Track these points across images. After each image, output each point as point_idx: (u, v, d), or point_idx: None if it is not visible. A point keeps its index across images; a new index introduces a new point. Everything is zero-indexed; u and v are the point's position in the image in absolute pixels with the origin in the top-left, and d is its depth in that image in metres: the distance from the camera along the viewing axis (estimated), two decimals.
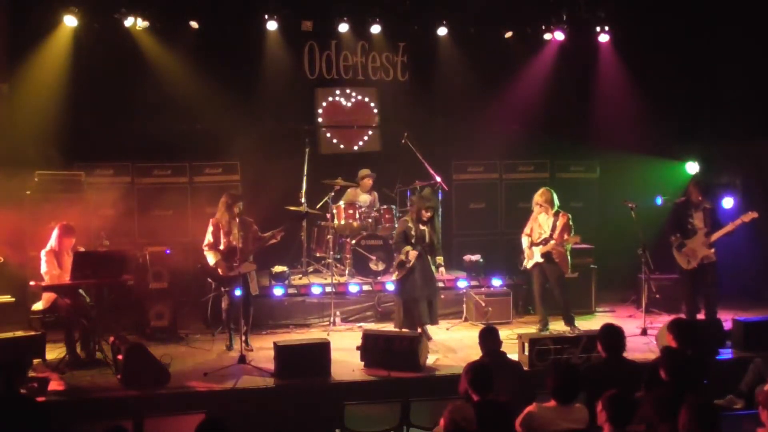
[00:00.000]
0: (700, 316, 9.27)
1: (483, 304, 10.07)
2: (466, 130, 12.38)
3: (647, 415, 5.19)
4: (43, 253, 8.28)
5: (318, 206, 10.67)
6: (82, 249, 8.58)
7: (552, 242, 9.25)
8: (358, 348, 8.14)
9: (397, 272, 9.04)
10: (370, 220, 10.89)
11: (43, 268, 8.24)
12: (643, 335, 9.10)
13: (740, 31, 11.68)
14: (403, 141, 11.00)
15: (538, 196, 9.43)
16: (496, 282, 10.60)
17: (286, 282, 10.32)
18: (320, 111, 12.41)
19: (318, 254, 11.02)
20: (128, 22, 10.86)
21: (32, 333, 8.52)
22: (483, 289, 10.46)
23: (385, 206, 11.00)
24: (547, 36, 12.27)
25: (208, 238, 8.72)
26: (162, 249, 10.12)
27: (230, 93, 11.12)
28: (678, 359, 5.81)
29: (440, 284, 9.73)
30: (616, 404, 4.83)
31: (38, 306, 8.43)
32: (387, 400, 6.77)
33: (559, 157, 12.70)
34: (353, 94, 12.55)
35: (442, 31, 12.09)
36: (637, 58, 12.24)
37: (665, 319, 8.81)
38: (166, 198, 11.27)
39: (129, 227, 11.01)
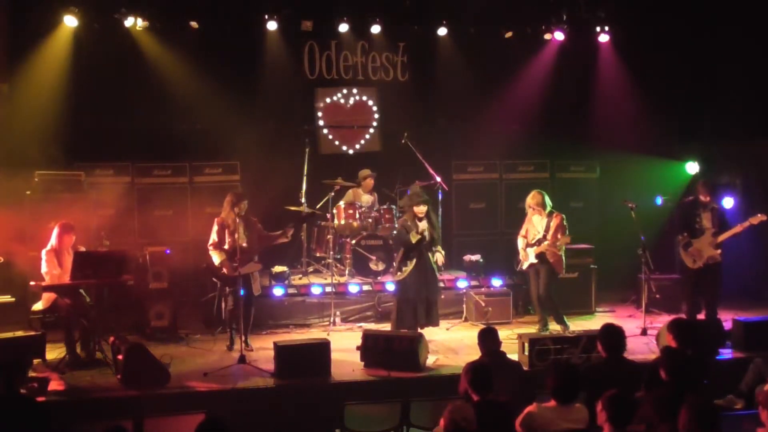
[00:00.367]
0: (701, 316, 9.26)
1: (483, 304, 10.08)
2: (466, 130, 12.38)
3: (647, 415, 5.19)
4: (43, 252, 8.28)
5: (318, 206, 10.66)
6: (82, 249, 8.58)
7: (545, 243, 9.26)
8: (358, 348, 8.14)
9: (398, 272, 9.00)
10: (370, 220, 10.89)
11: (44, 268, 8.24)
12: (643, 335, 9.10)
13: (740, 31, 11.67)
14: (403, 141, 11.00)
15: (530, 199, 9.45)
16: (496, 282, 10.60)
17: (286, 282, 10.32)
18: (320, 111, 12.41)
19: (318, 254, 11.03)
20: (128, 22, 10.86)
21: (32, 333, 8.54)
22: (483, 289, 10.46)
23: (385, 206, 11.00)
24: (547, 36, 12.26)
25: (213, 237, 8.71)
26: (162, 249, 10.12)
27: (230, 93, 11.12)
28: (678, 359, 5.82)
29: (440, 284, 9.72)
30: (616, 404, 4.83)
31: (38, 306, 8.43)
32: (387, 400, 6.77)
33: (559, 157, 12.70)
34: (353, 94, 12.55)
35: (442, 31, 12.09)
36: (637, 58, 12.23)
37: (665, 319, 8.81)
38: (166, 198, 11.27)
39: (129, 227, 11.01)
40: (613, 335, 6.32)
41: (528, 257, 9.43)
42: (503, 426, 5.30)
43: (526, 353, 7.88)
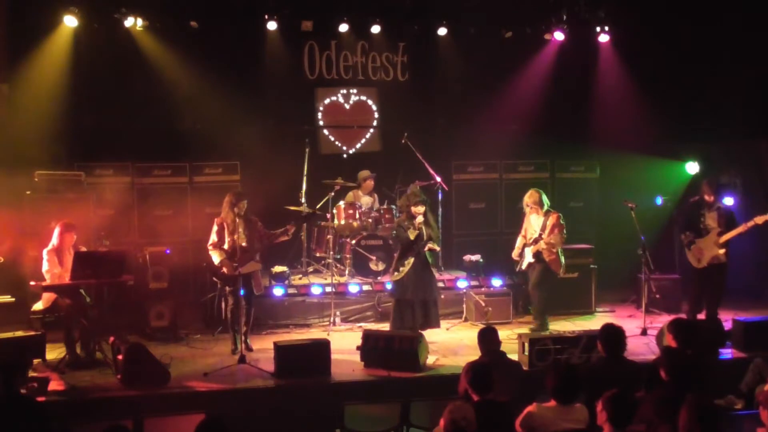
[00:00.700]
0: (701, 316, 9.26)
1: (483, 304, 10.07)
2: (466, 130, 12.37)
3: (647, 415, 5.18)
4: (45, 251, 8.28)
5: (318, 206, 10.66)
6: (83, 249, 8.58)
7: (541, 241, 9.27)
8: (358, 348, 8.14)
9: (395, 272, 8.99)
10: (370, 221, 10.89)
11: (45, 267, 8.25)
12: (643, 335, 9.10)
13: (740, 30, 11.66)
14: (403, 141, 11.00)
15: (527, 198, 9.47)
16: (496, 282, 10.60)
17: (286, 282, 10.32)
18: (320, 111, 12.41)
19: (318, 254, 11.03)
20: (128, 22, 10.86)
21: (32, 333, 8.52)
22: (483, 289, 10.46)
23: (385, 206, 11.00)
24: (547, 36, 12.27)
25: (213, 237, 8.68)
26: (162, 249, 10.13)
27: (230, 93, 11.11)
28: (678, 359, 5.81)
29: (440, 284, 9.71)
30: (616, 404, 4.83)
31: (38, 306, 8.43)
32: (387, 400, 6.76)
33: (559, 157, 12.70)
34: (353, 94, 12.55)
35: (442, 31, 12.09)
36: (637, 58, 12.23)
37: (665, 319, 8.81)
38: (166, 198, 11.25)
39: (129, 227, 11.00)
40: (613, 335, 6.32)
41: (525, 257, 9.43)
42: (503, 426, 5.30)
43: (526, 353, 7.88)
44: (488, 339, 6.62)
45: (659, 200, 10.50)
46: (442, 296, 9.98)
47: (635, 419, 4.98)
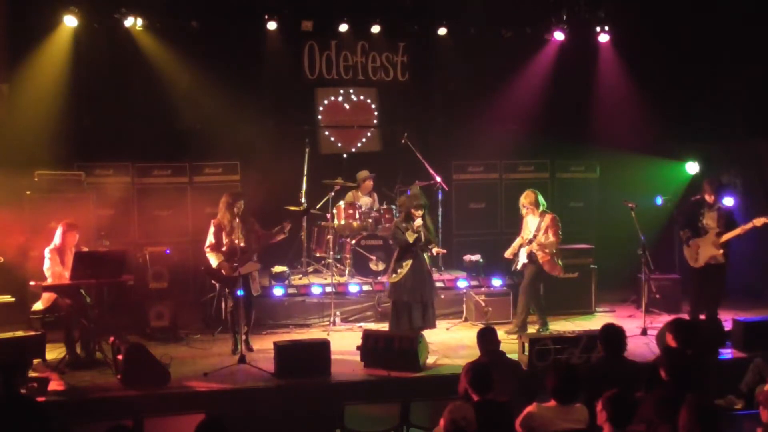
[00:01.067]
0: (702, 316, 9.27)
1: (483, 304, 10.08)
2: (466, 130, 12.37)
3: (647, 415, 5.18)
4: (46, 250, 8.29)
5: (318, 206, 10.66)
6: (85, 249, 8.58)
7: (534, 243, 9.28)
8: (358, 348, 8.13)
9: (393, 274, 8.97)
10: (370, 221, 10.89)
11: (46, 265, 8.25)
12: (643, 335, 9.10)
13: (740, 30, 11.67)
14: (403, 141, 11.01)
15: (523, 198, 9.46)
16: (496, 282, 10.59)
17: (286, 282, 10.32)
18: (320, 111, 12.41)
19: (318, 254, 11.02)
20: (128, 22, 10.86)
21: (32, 333, 8.51)
22: (483, 289, 10.46)
23: (385, 206, 11.00)
24: (547, 36, 12.27)
25: (210, 239, 8.65)
26: (162, 249, 10.12)
27: (230, 93, 11.11)
28: (678, 359, 5.82)
29: (440, 284, 9.71)
30: (616, 404, 4.83)
31: (38, 306, 8.43)
32: (387, 400, 6.76)
33: (559, 157, 12.71)
34: (353, 94, 12.55)
35: (442, 31, 12.09)
36: (637, 58, 12.24)
37: (665, 319, 8.81)
38: (166, 198, 11.26)
39: (129, 227, 11.00)
40: (613, 335, 6.32)
41: (520, 257, 9.45)
42: (503, 426, 5.30)
43: (526, 353, 7.88)
44: (488, 339, 6.62)
45: (659, 200, 10.50)
46: (442, 296, 9.98)
47: (635, 419, 4.98)
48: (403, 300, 8.82)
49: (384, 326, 9.47)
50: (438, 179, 10.91)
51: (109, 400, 7.17)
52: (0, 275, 9.28)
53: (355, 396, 7.01)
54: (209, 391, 7.42)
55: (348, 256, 10.77)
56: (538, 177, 12.61)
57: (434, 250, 9.13)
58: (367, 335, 8.19)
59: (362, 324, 9.95)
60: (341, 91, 12.49)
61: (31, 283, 8.45)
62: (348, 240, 10.74)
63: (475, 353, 6.94)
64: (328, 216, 10.60)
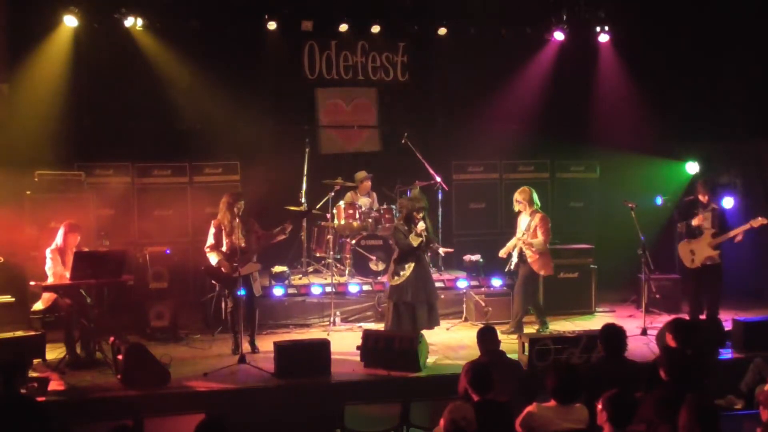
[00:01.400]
0: (702, 316, 9.27)
1: (483, 304, 10.08)
2: (466, 130, 12.37)
3: (647, 415, 5.19)
4: (48, 250, 8.28)
5: (318, 206, 10.66)
6: (86, 249, 8.57)
7: (520, 241, 9.29)
8: (358, 348, 8.13)
9: (395, 276, 8.96)
10: (370, 221, 10.88)
11: (48, 265, 8.25)
12: (643, 335, 9.09)
13: (741, 30, 11.67)
14: (403, 141, 11.00)
15: (518, 194, 9.44)
16: (496, 282, 10.58)
17: (286, 282, 10.32)
18: (320, 111, 12.40)
19: (318, 254, 11.02)
20: (128, 22, 10.87)
21: (32, 333, 8.52)
22: (483, 289, 10.46)
23: (385, 206, 10.99)
24: (547, 36, 12.27)
25: (210, 240, 8.64)
26: (162, 249, 10.12)
27: (230, 93, 11.12)
28: (678, 359, 5.82)
29: (440, 284, 9.71)
30: (616, 404, 4.83)
31: (38, 306, 8.42)
32: (387, 400, 6.76)
33: (559, 157, 12.71)
34: (353, 94, 12.55)
35: (442, 31, 12.09)
36: (637, 58, 12.24)
37: (665, 319, 8.81)
38: (166, 198, 11.27)
39: (129, 227, 11.00)
40: (614, 335, 6.32)
41: (513, 257, 9.46)
42: (503, 426, 5.30)
43: (526, 353, 7.88)
44: (488, 338, 6.61)
45: (659, 200, 10.50)
46: (442, 296, 9.97)
47: (635, 419, 4.98)
48: (407, 301, 8.80)
49: (383, 326, 9.47)
50: (438, 179, 10.91)
51: (109, 400, 7.16)
52: (0, 275, 9.28)
53: (355, 396, 7.00)
54: (209, 391, 7.41)
55: (348, 256, 10.77)
56: (538, 177, 12.61)
57: (442, 250, 9.11)
58: (367, 335, 8.19)
59: (362, 324, 9.95)
60: (341, 91, 12.48)
61: (31, 283, 8.45)
62: (348, 240, 10.74)
63: (475, 353, 6.94)
64: (328, 216, 10.60)
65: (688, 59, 12.16)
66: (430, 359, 8.26)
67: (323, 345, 7.95)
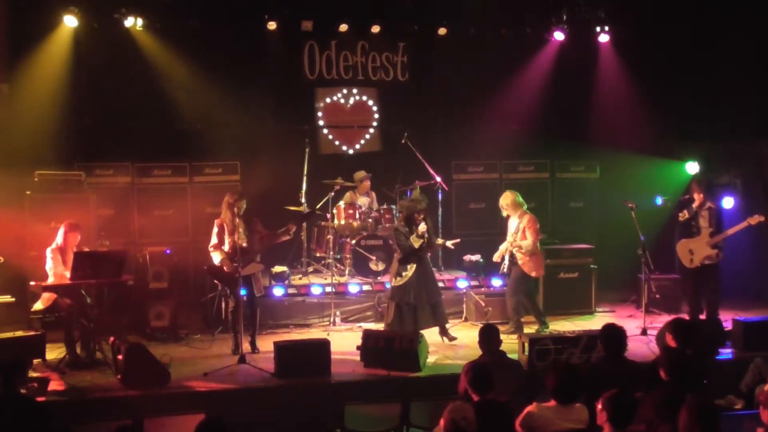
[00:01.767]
0: (702, 316, 9.27)
1: (483, 304, 10.08)
2: (466, 130, 12.37)
3: (647, 415, 5.19)
4: (48, 250, 8.28)
5: (318, 206, 10.66)
6: (86, 249, 8.57)
7: (509, 243, 9.28)
8: (358, 348, 8.13)
9: (397, 277, 8.96)
10: (370, 221, 10.89)
11: (48, 264, 8.25)
12: (643, 335, 9.09)
13: (740, 30, 11.67)
14: (403, 141, 11.00)
15: (501, 200, 9.50)
16: (496, 282, 10.58)
17: (286, 282, 10.32)
18: (320, 111, 12.41)
19: (318, 254, 11.03)
20: (128, 22, 10.87)
21: (32, 333, 8.52)
22: (483, 289, 10.47)
23: (385, 206, 11.00)
24: (547, 36, 12.27)
25: (213, 239, 8.65)
26: (162, 249, 10.12)
27: (230, 93, 11.12)
28: (678, 359, 5.82)
29: (440, 284, 9.70)
30: (616, 404, 4.83)
31: (38, 306, 8.42)
32: (387, 400, 6.76)
33: (559, 157, 12.71)
34: (353, 94, 12.55)
35: (442, 31, 12.09)
36: (637, 58, 12.24)
37: (665, 319, 8.81)
38: (166, 198, 11.27)
39: (129, 227, 11.01)
40: (614, 335, 6.32)
41: (505, 259, 9.46)
42: (503, 426, 5.30)
43: (526, 353, 7.88)
44: (489, 337, 6.61)
45: (659, 200, 10.50)
46: (442, 296, 9.96)
47: (635, 419, 4.98)
48: (409, 302, 8.81)
49: (383, 326, 9.47)
50: (438, 179, 10.91)
51: (109, 400, 7.16)
52: (0, 275, 9.28)
53: (355, 396, 7.00)
54: (209, 391, 7.42)
55: (348, 256, 10.77)
56: (538, 177, 12.63)
57: (449, 243, 9.10)
58: (367, 335, 8.19)
59: (362, 324, 9.95)
60: (341, 91, 12.48)
61: (31, 283, 8.45)
62: (348, 240, 10.74)
63: (474, 353, 6.95)
64: (328, 216, 10.60)
65: (688, 59, 12.16)
66: (430, 359, 8.26)
67: (323, 345, 7.95)
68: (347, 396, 6.94)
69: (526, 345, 7.92)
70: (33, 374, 7.56)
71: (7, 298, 9.26)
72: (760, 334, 8.40)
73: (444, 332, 9.04)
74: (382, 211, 10.91)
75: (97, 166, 11.01)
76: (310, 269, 11.04)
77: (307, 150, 10.95)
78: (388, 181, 11.39)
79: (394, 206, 10.94)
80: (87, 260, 8.11)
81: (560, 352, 7.87)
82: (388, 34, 12.20)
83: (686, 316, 9.15)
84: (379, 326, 9.57)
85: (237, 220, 8.55)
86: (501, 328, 6.86)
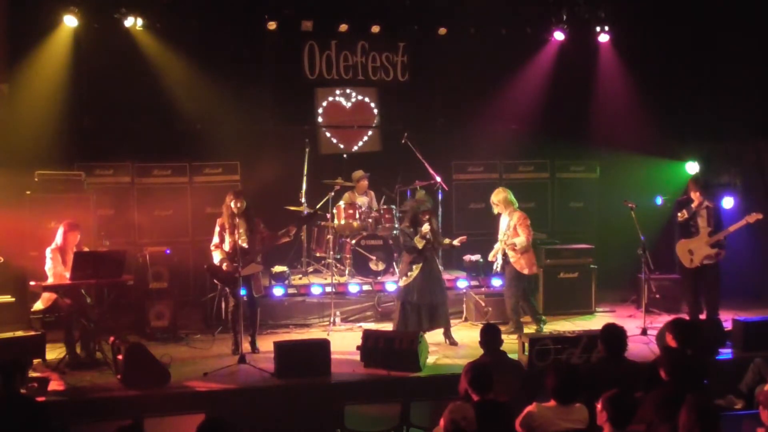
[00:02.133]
0: (702, 316, 9.27)
1: (483, 304, 10.08)
2: (466, 130, 12.38)
3: (647, 415, 5.19)
4: (48, 250, 8.27)
5: (318, 206, 10.66)
6: (86, 249, 8.57)
7: (502, 242, 9.28)
8: (358, 348, 8.13)
9: (404, 277, 8.96)
10: (370, 220, 10.89)
11: (48, 265, 8.24)
12: (643, 335, 9.09)
13: (740, 30, 11.68)
14: (403, 141, 11.00)
15: (493, 196, 9.48)
16: (496, 282, 10.58)
17: (286, 282, 10.32)
18: (320, 111, 12.41)
19: (318, 254, 11.03)
20: (128, 22, 10.86)
21: (32, 333, 8.52)
22: (483, 289, 10.47)
23: (385, 206, 11.00)
24: (547, 36, 12.27)
25: (215, 239, 8.67)
26: (162, 249, 10.12)
27: (230, 93, 11.12)
28: (678, 359, 5.82)
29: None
30: (616, 404, 4.83)
31: (38, 306, 8.42)
32: (387, 400, 6.76)
33: (559, 157, 12.71)
34: (353, 94, 12.55)
35: (442, 31, 12.09)
36: (637, 58, 12.24)
37: (665, 319, 8.81)
38: (166, 198, 11.27)
39: (129, 227, 11.00)
40: (614, 335, 6.32)
41: (498, 258, 9.46)
42: (503, 426, 5.30)
43: (526, 353, 7.88)
44: (490, 336, 6.61)
45: (659, 200, 10.50)
46: (447, 298, 9.94)
47: (635, 419, 4.98)
48: (412, 301, 8.82)
49: (384, 326, 9.48)
50: (438, 179, 10.91)
51: (109, 400, 7.15)
52: (0, 275, 9.28)
53: (355, 396, 7.01)
54: (209, 391, 7.41)
55: (348, 256, 10.77)
56: (538, 177, 12.63)
57: (455, 242, 9.09)
58: (367, 335, 8.19)
59: (362, 324, 9.94)
60: (341, 91, 12.49)
61: (31, 283, 8.44)
62: (348, 240, 10.74)
63: (474, 353, 6.95)
64: (328, 216, 10.60)
65: (688, 59, 12.16)
66: (430, 359, 8.26)
67: (323, 345, 7.94)
68: (347, 396, 6.95)
69: (527, 345, 7.91)
70: (33, 374, 7.56)
71: (7, 298, 9.26)
72: (760, 334, 8.39)
73: (447, 334, 9.03)
74: (382, 211, 10.91)
75: (97, 166, 11.01)
76: (310, 269, 11.04)
77: (307, 150, 10.94)
78: (388, 181, 11.39)
79: (394, 206, 10.95)
80: (87, 260, 8.11)
81: (560, 352, 7.87)
82: (388, 34, 12.20)
83: (686, 316, 9.16)
84: (379, 326, 9.58)
85: (237, 220, 8.54)
86: (501, 328, 6.87)
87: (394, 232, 10.87)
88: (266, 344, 8.67)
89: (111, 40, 10.96)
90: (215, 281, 9.20)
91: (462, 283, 10.62)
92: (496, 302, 10.08)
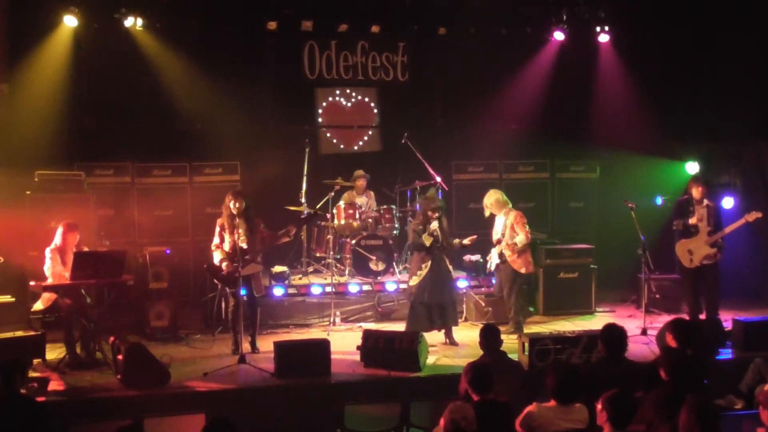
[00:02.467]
0: (702, 316, 9.27)
1: (483, 304, 10.08)
2: (466, 130, 12.38)
3: (647, 415, 5.19)
4: (47, 250, 8.27)
5: (318, 206, 10.67)
6: (86, 249, 8.57)
7: (502, 243, 9.27)
8: (358, 348, 8.13)
9: (413, 276, 8.95)
10: (370, 220, 10.89)
11: (47, 265, 8.23)
12: (643, 335, 9.09)
13: (740, 30, 11.68)
14: (403, 141, 11.00)
15: (485, 199, 9.48)
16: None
17: (286, 282, 10.32)
18: (320, 111, 12.41)
19: (318, 254, 11.03)
20: (128, 22, 10.85)
21: (32, 333, 8.52)
22: (483, 289, 10.47)
23: (385, 206, 11.00)
24: (547, 36, 12.27)
25: (215, 239, 8.67)
26: (162, 249, 10.12)
27: (230, 93, 11.12)
28: (678, 359, 5.82)
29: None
30: (616, 404, 4.83)
31: (38, 306, 8.41)
32: (387, 400, 6.76)
33: (559, 157, 12.70)
34: (353, 94, 12.56)
35: (442, 31, 12.09)
36: (637, 58, 12.24)
37: (665, 319, 8.81)
38: (166, 198, 11.26)
39: (129, 227, 11.00)
40: (615, 335, 6.32)
41: (492, 258, 9.45)
42: (503, 426, 5.30)
43: (526, 353, 7.88)
44: (490, 336, 6.61)
45: (659, 200, 10.50)
46: (456, 298, 9.92)
47: (635, 419, 4.98)
48: (423, 301, 8.82)
49: (384, 326, 9.49)
50: (438, 179, 10.91)
51: (109, 400, 7.15)
52: (0, 275, 9.28)
53: (355, 396, 7.01)
54: (209, 391, 7.41)
55: (348, 256, 10.77)
56: (538, 177, 12.62)
57: (465, 241, 9.09)
58: (367, 335, 8.19)
59: (362, 324, 9.94)
60: (341, 91, 12.49)
61: (31, 283, 8.44)
62: (348, 240, 10.75)
63: (475, 353, 6.95)
64: (328, 216, 10.61)
65: (688, 59, 12.16)
66: (430, 359, 8.26)
67: (323, 345, 7.94)
68: (347, 396, 6.95)
69: (527, 345, 7.91)
70: (33, 374, 7.57)
71: (7, 298, 9.26)
72: (760, 334, 8.40)
73: (448, 334, 9.03)
74: (382, 211, 10.91)
75: (97, 166, 11.00)
76: (310, 269, 11.04)
77: (307, 150, 10.94)
78: (388, 181, 11.39)
79: (394, 206, 10.95)
80: (87, 260, 8.11)
81: (560, 352, 7.87)
82: (388, 34, 12.21)
83: (686, 316, 9.15)
84: (379, 326, 9.58)
85: (237, 220, 8.54)
86: (501, 328, 6.88)
87: (394, 232, 10.89)
88: (266, 344, 8.67)
89: (111, 40, 10.96)
90: (215, 281, 9.19)
91: (462, 283, 10.61)
92: (496, 302, 10.06)
